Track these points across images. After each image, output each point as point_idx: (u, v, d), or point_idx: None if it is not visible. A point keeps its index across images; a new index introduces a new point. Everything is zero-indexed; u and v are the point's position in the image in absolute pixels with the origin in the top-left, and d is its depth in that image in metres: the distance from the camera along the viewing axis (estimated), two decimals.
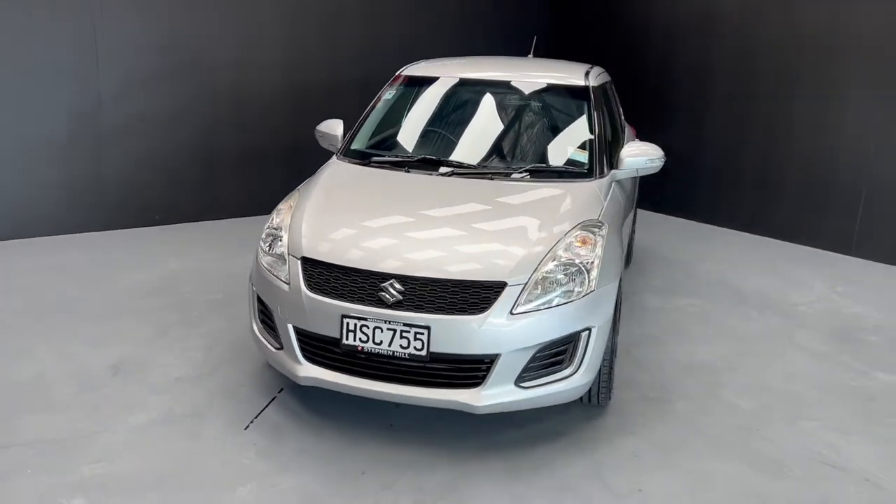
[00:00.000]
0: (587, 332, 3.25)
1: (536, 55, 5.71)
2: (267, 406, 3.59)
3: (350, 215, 3.58)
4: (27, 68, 5.78)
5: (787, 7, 6.78)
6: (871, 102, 6.30)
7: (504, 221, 3.50)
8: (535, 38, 5.97)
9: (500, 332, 3.09)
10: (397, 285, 3.15)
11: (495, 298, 3.12)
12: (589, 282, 3.27)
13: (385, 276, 3.18)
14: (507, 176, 3.88)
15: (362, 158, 4.13)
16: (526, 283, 3.15)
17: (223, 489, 2.97)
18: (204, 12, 6.52)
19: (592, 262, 3.31)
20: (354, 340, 3.17)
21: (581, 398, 3.51)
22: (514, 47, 6.68)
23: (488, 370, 3.12)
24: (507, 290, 3.13)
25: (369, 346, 3.15)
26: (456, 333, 3.09)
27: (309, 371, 3.29)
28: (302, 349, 3.32)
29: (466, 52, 6.50)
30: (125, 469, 3.07)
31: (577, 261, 3.29)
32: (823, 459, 3.36)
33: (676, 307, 5.19)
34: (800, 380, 4.15)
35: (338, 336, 3.19)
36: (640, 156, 4.10)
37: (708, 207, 7.70)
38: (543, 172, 3.96)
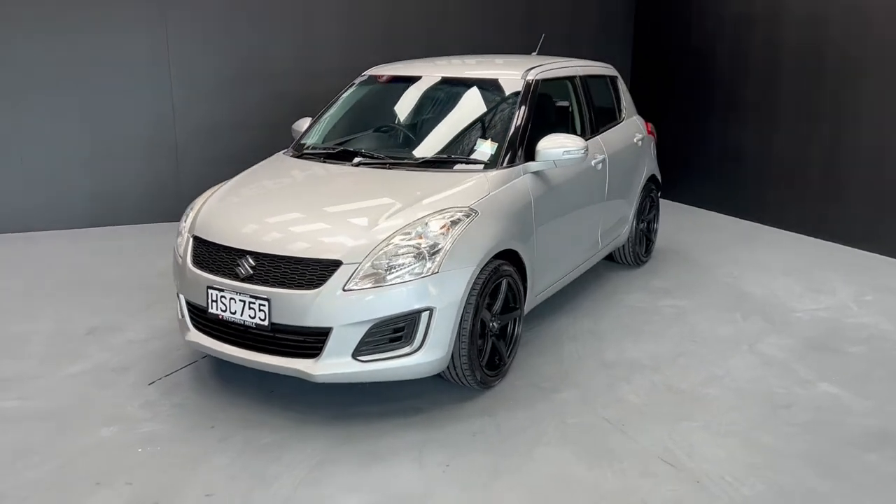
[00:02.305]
0: (428, 312, 3.38)
1: (543, 53, 5.75)
2: (180, 369, 4.06)
3: (241, 200, 3.95)
4: (110, 79, 6.78)
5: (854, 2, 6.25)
6: None
7: (364, 205, 3.70)
8: (543, 36, 5.99)
9: (333, 306, 3.32)
10: (251, 261, 3.49)
11: (330, 275, 3.35)
12: (432, 264, 3.40)
13: (242, 253, 3.53)
14: (408, 165, 4.07)
15: (300, 151, 4.50)
16: (361, 262, 3.35)
17: (93, 428, 3.45)
18: (266, 23, 7.22)
19: (440, 247, 3.43)
20: (216, 309, 3.55)
21: (451, 379, 3.63)
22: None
23: (324, 342, 3.35)
24: (342, 268, 3.35)
25: (227, 314, 3.52)
26: (292, 306, 3.36)
27: (192, 336, 3.72)
28: (191, 317, 3.76)
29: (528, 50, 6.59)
30: (33, 405, 3.67)
31: (423, 244, 3.43)
32: (666, 458, 3.22)
33: (656, 307, 5.02)
34: (722, 384, 3.92)
35: (205, 305, 3.60)
36: (555, 148, 4.10)
37: (764, 207, 7.24)
38: (445, 162, 4.09)
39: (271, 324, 3.40)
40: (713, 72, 7.74)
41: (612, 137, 5.18)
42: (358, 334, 3.34)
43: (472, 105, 4.46)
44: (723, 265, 5.95)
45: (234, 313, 3.49)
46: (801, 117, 6.81)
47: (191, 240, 3.80)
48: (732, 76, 7.51)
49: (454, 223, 3.55)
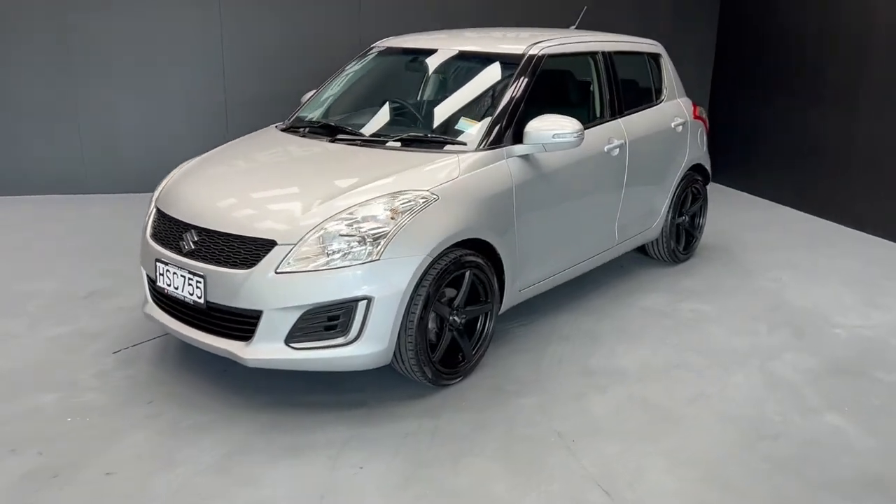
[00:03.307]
0: (365, 301, 3.16)
1: (587, 27, 5.33)
2: (147, 341, 4.02)
3: (203, 173, 3.82)
4: (164, 50, 6.89)
5: None
6: None
7: (318, 184, 3.48)
8: (585, 8, 5.54)
9: (264, 289, 3.15)
10: (194, 235, 3.38)
11: (263, 256, 3.18)
12: (374, 251, 3.16)
13: (187, 227, 3.42)
14: (385, 144, 3.83)
15: (291, 124, 4.34)
16: (296, 244, 3.16)
17: (37, 393, 3.45)
18: (314, 5, 7.12)
19: (384, 232, 3.19)
20: (163, 283, 3.48)
21: (403, 373, 3.41)
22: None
23: (256, 325, 3.20)
24: (276, 248, 3.17)
25: (170, 289, 3.43)
26: (225, 285, 3.23)
27: (148, 309, 3.67)
28: (150, 290, 3.71)
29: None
30: (1, 364, 3.74)
31: (366, 228, 3.20)
32: (604, 484, 2.86)
33: (674, 311, 4.56)
34: (708, 404, 3.48)
35: (154, 278, 3.53)
36: (544, 130, 3.74)
37: (844, 206, 6.50)
38: (423, 141, 3.81)
39: (206, 302, 3.29)
40: (796, 51, 6.99)
41: (639, 121, 4.71)
42: (290, 320, 3.16)
43: (465, 81, 4.15)
44: (772, 268, 5.35)
45: (176, 288, 3.40)
46: (891, 106, 6.01)
47: (153, 211, 3.74)
48: (817, 56, 6.74)
49: (405, 208, 3.29)
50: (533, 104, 3.99)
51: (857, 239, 6.17)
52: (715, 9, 8.08)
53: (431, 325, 3.47)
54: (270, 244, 3.19)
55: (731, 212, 6.97)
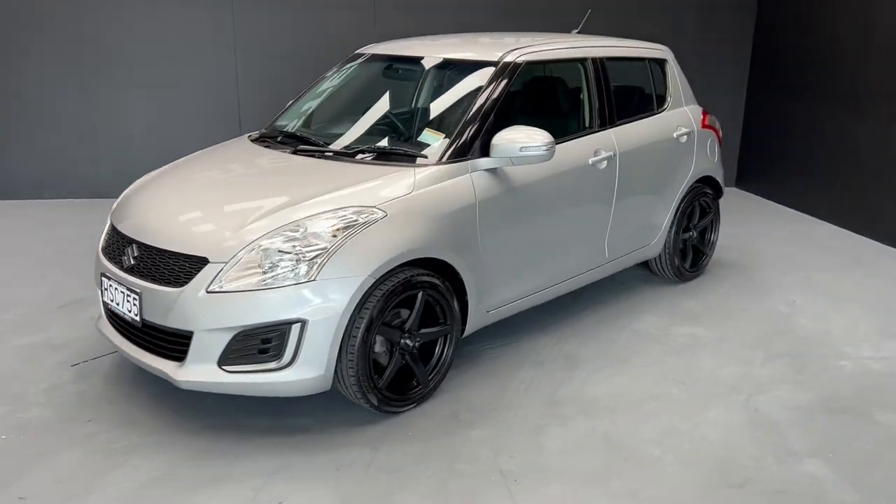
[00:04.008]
0: (299, 324, 2.99)
1: (588, 32, 5.06)
2: (106, 354, 3.92)
3: (158, 185, 3.70)
4: (176, 50, 6.89)
5: None
6: None
7: (261, 199, 3.32)
8: (589, 11, 5.26)
9: (195, 308, 3.02)
10: (135, 251, 3.27)
11: (196, 273, 3.05)
12: (308, 271, 3.00)
13: (130, 241, 3.32)
14: (345, 155, 3.65)
15: (260, 135, 4.20)
16: (228, 262, 3.02)
17: None
18: (328, 8, 7.01)
19: (322, 250, 3.02)
20: (107, 298, 3.39)
21: (350, 399, 3.24)
22: None
23: (188, 346, 3.07)
24: (207, 266, 3.03)
25: (113, 304, 3.34)
26: (158, 303, 3.11)
27: (101, 324, 3.58)
28: (103, 304, 3.63)
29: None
30: None
31: (302, 246, 3.03)
32: None
33: (667, 335, 4.26)
34: (676, 443, 3.19)
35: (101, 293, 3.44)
36: (511, 143, 3.51)
37: (884, 222, 6.02)
38: (383, 153, 3.61)
39: (142, 320, 3.17)
40: (834, 56, 6.53)
41: (634, 131, 4.42)
42: (222, 342, 3.02)
43: (435, 90, 3.96)
44: (789, 289, 4.98)
45: (117, 304, 3.31)
46: None
47: (108, 224, 3.65)
48: (856, 62, 6.28)
49: (347, 225, 3.11)
50: (508, 115, 3.77)
51: (894, 258, 5.71)
52: (751, 14, 7.66)
53: (380, 348, 3.29)
54: (203, 262, 3.05)
55: (758, 224, 6.58)
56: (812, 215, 6.88)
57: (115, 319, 3.43)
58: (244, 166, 3.77)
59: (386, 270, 3.14)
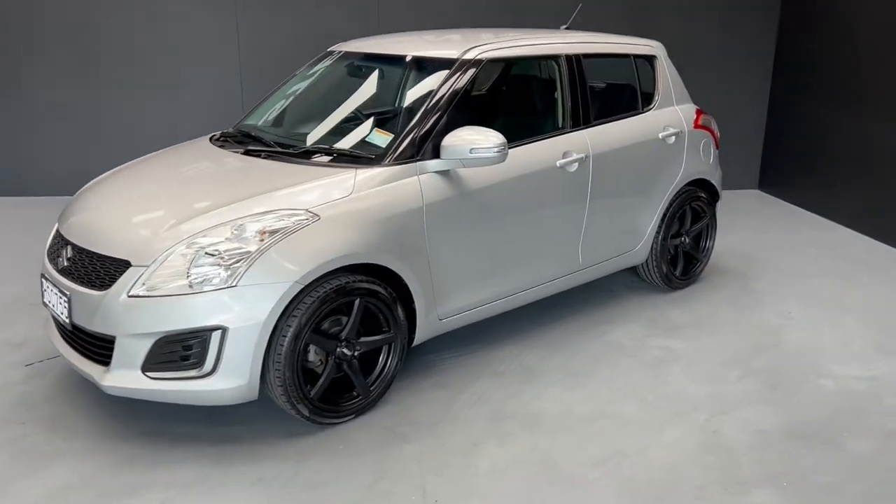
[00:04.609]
0: (219, 331, 2.90)
1: (578, 27, 4.86)
2: (59, 355, 3.91)
3: (103, 186, 3.64)
4: (180, 54, 6.91)
5: None
6: None
7: (189, 201, 3.21)
8: (579, 6, 5.04)
9: (116, 312, 2.95)
10: (69, 252, 3.23)
11: (118, 277, 2.98)
12: (229, 276, 2.90)
13: (66, 242, 3.28)
14: (292, 156, 3.53)
15: (221, 134, 4.10)
16: (149, 266, 2.94)
17: None
18: (331, 8, 6.92)
19: (245, 255, 2.92)
20: (46, 299, 3.35)
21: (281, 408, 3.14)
22: None
23: (112, 351, 3.01)
24: (129, 270, 2.96)
25: (51, 305, 3.30)
26: (84, 306, 3.05)
27: (47, 326, 3.55)
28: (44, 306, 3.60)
29: None
30: None
31: (225, 250, 2.94)
32: None
33: (641, 347, 4.04)
34: (618, 467, 2.99)
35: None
36: (461, 144, 3.35)
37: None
38: (329, 153, 3.48)
39: (72, 322, 3.12)
40: (860, 57, 6.16)
41: (611, 132, 4.20)
42: (144, 347, 2.94)
43: (393, 88, 3.81)
44: (785, 299, 4.69)
45: (53, 306, 3.27)
46: None
47: (56, 225, 3.62)
48: (883, 63, 5.90)
49: (275, 228, 3.00)
50: (467, 115, 3.62)
51: None
52: (775, 13, 7.29)
53: (314, 357, 3.17)
54: (125, 265, 2.98)
55: (772, 229, 6.26)
56: (833, 220, 6.51)
57: (56, 321, 3.39)
58: (191, 167, 3.69)
59: (316, 277, 3.02)
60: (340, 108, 3.87)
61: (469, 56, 3.70)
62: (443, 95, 3.53)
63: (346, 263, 3.11)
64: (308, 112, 4.04)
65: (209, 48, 6.92)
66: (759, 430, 3.25)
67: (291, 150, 3.56)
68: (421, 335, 3.53)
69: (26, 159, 7.00)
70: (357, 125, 3.69)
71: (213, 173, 3.56)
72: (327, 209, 3.11)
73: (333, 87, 4.10)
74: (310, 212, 3.08)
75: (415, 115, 3.48)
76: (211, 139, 4.00)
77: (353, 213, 3.16)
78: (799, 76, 7.00)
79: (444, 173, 3.45)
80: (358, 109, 3.82)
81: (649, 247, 4.56)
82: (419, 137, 3.42)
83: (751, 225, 6.36)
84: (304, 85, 4.22)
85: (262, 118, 4.14)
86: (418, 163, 3.40)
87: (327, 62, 4.26)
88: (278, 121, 4.10)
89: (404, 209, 3.31)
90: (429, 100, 3.52)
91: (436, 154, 3.42)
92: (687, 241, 4.81)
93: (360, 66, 4.09)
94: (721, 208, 6.78)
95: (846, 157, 6.36)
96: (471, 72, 3.66)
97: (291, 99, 4.17)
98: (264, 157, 3.56)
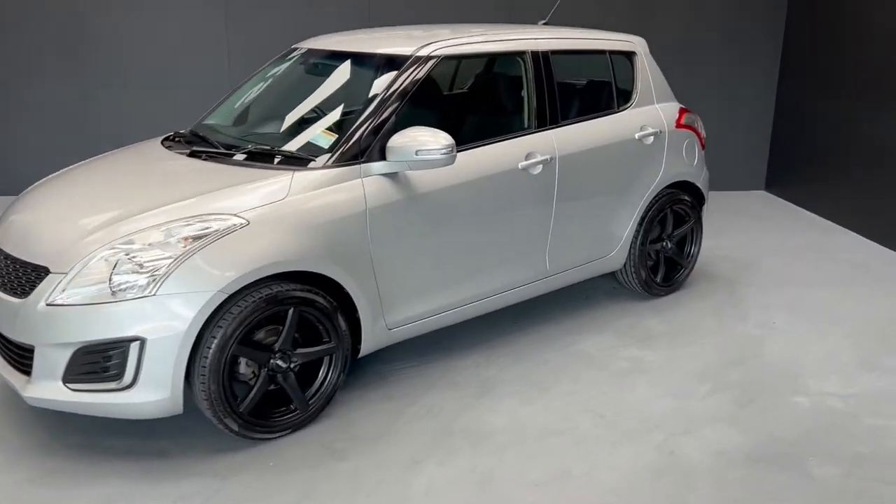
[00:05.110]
0: (138, 342, 2.76)
1: (558, 23, 4.67)
2: None
3: (41, 189, 3.52)
4: (170, 58, 6.82)
5: None
6: None
7: (115, 206, 3.06)
8: (559, 1, 4.84)
9: (35, 321, 2.83)
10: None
11: (37, 284, 2.86)
12: (148, 285, 2.76)
13: None
14: (234, 158, 3.38)
15: (173, 134, 3.97)
16: (67, 273, 2.81)
17: None
18: (323, 7, 6.79)
19: (167, 262, 2.78)
20: None
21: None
22: None
23: (32, 360, 2.89)
24: (48, 277, 2.83)
25: None
26: (6, 314, 2.94)
27: None
28: None
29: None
30: None
31: (145, 257, 2.80)
32: None
33: (611, 358, 3.83)
34: (559, 491, 2.80)
35: None
36: (406, 146, 3.18)
37: None
38: (272, 155, 3.32)
39: None
40: (870, 54, 5.87)
41: (581, 132, 3.99)
42: (63, 358, 2.81)
43: (343, 87, 3.65)
44: (773, 308, 4.44)
45: None
46: None
47: None
48: (894, 55, 5.61)
49: (200, 234, 2.86)
50: (423, 114, 3.45)
51: None
52: (782, 6, 7.01)
53: (245, 369, 3.03)
54: (44, 272, 2.86)
55: (773, 231, 6.00)
56: (838, 223, 6.22)
57: None
58: (131, 170, 3.56)
59: (242, 285, 2.87)
60: (293, 107, 3.71)
61: (423, 52, 3.52)
62: (392, 94, 3.37)
63: (277, 271, 2.96)
64: (262, 112, 3.90)
65: (198, 46, 6.83)
66: (720, 451, 3.03)
67: (233, 152, 3.41)
68: (368, 346, 3.36)
69: (10, 158, 6.97)
70: (307, 125, 3.53)
71: (150, 176, 3.43)
72: (257, 213, 2.96)
73: (290, 86, 3.96)
74: (238, 216, 2.93)
75: (360, 115, 3.32)
76: (164, 140, 3.86)
77: (285, 217, 3.00)
78: (807, 75, 6.71)
79: (391, 176, 3.28)
80: (310, 109, 3.66)
81: (626, 252, 4.35)
82: (364, 138, 3.25)
83: (751, 227, 6.10)
84: (262, 84, 4.07)
85: (219, 118, 4.00)
86: (363, 165, 3.23)
87: (288, 60, 4.12)
88: (233, 121, 3.97)
89: (345, 214, 3.15)
90: (377, 98, 3.36)
91: (383, 156, 3.25)
92: (669, 246, 4.58)
93: (318, 63, 3.94)
94: (723, 209, 6.58)
95: (854, 159, 6.07)
96: (424, 69, 3.48)
97: (248, 98, 4.03)
98: (205, 159, 3.42)
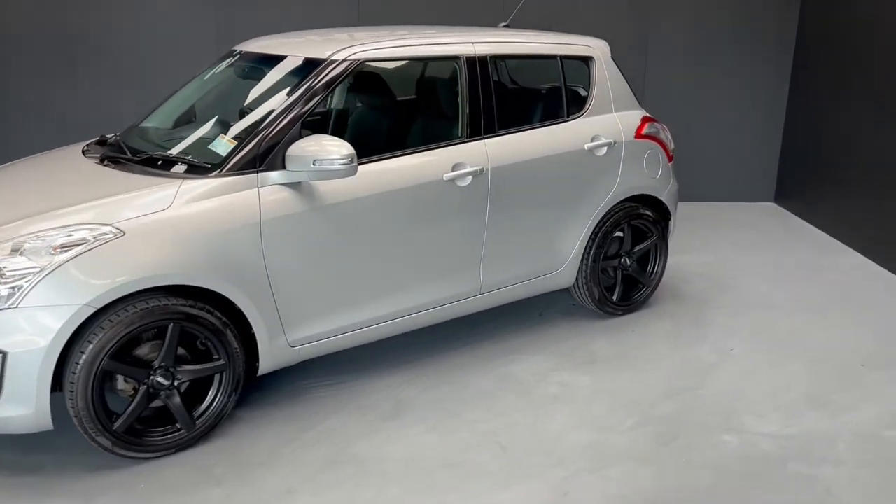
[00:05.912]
0: (0, 356, 2.66)
1: (520, 25, 4.45)
2: None
3: None
4: (167, 48, 6.80)
5: None
6: None
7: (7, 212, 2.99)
8: (522, 1, 4.60)
9: None
10: None
11: None
12: (10, 296, 2.65)
13: None
14: (137, 163, 3.25)
15: (97, 140, 3.86)
16: None
17: None
18: (322, 7, 6.69)
19: (31, 273, 2.67)
20: None
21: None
22: None
23: None
24: None
25: None
26: None
27: None
28: None
29: None
30: None
31: (10, 267, 2.69)
32: None
33: (539, 383, 3.60)
34: None
35: None
36: (304, 155, 3.02)
37: None
38: (169, 161, 3.19)
39: None
40: (881, 59, 5.47)
41: (520, 142, 3.76)
42: None
43: (254, 91, 3.49)
44: (735, 334, 4.14)
45: None
46: None
47: None
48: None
49: (70, 244, 2.74)
50: (333, 123, 3.30)
51: None
52: (794, 12, 6.61)
53: (124, 386, 2.91)
54: None
55: (768, 248, 5.65)
56: (841, 241, 5.82)
57: None
58: (36, 176, 3.48)
59: (113, 298, 2.75)
60: (213, 112, 3.59)
61: (338, 56, 3.35)
62: (298, 99, 3.20)
63: (154, 284, 2.82)
64: (187, 115, 3.78)
65: (187, 47, 6.79)
66: (620, 495, 2.78)
67: (135, 158, 3.29)
68: (267, 364, 3.21)
69: (10, 158, 7.04)
70: (216, 131, 3.39)
71: (47, 183, 3.34)
72: (135, 223, 2.83)
73: (218, 90, 3.83)
74: (114, 226, 2.81)
75: (261, 121, 3.17)
76: (86, 145, 3.77)
77: (166, 228, 2.87)
78: (820, 79, 6.30)
79: (294, 186, 3.12)
80: (225, 114, 3.53)
81: (576, 268, 4.11)
82: (263, 145, 3.10)
83: (744, 242, 5.76)
84: (197, 86, 3.95)
85: (154, 120, 3.90)
86: (260, 174, 3.08)
87: (224, 63, 3.99)
88: (161, 123, 3.85)
89: (236, 225, 3.00)
90: (281, 104, 3.20)
91: (284, 165, 3.09)
92: (629, 262, 4.31)
93: (245, 67, 3.80)
94: (721, 221, 6.25)
95: (862, 175, 5.65)
96: (337, 73, 3.31)
97: (180, 101, 3.91)
98: (109, 166, 3.31)
